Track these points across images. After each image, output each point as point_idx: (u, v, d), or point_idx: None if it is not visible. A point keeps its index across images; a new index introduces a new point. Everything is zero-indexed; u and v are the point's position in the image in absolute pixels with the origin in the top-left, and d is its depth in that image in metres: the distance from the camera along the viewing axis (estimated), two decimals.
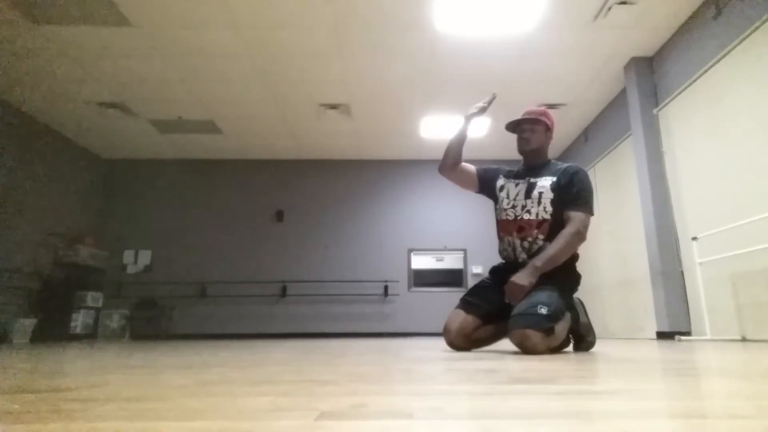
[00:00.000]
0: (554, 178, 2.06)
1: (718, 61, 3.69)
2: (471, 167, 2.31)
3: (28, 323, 5.33)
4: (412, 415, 0.56)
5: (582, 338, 2.19)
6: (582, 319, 2.20)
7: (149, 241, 7.07)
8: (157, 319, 6.62)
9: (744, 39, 3.43)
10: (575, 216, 1.99)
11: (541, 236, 2.04)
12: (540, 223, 2.04)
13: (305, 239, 7.15)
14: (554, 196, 2.04)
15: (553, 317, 1.88)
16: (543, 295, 1.90)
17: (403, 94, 5.44)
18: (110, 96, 5.42)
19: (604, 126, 5.84)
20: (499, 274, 2.18)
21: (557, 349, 2.07)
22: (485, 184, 2.27)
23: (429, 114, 5.91)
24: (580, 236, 1.95)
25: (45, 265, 5.93)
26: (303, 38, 4.40)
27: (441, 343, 3.27)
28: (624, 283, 5.28)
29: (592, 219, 2.06)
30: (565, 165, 2.13)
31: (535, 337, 1.80)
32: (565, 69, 4.94)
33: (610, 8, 3.96)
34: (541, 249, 2.03)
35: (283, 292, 6.90)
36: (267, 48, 4.54)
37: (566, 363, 1.38)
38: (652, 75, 4.68)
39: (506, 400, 0.67)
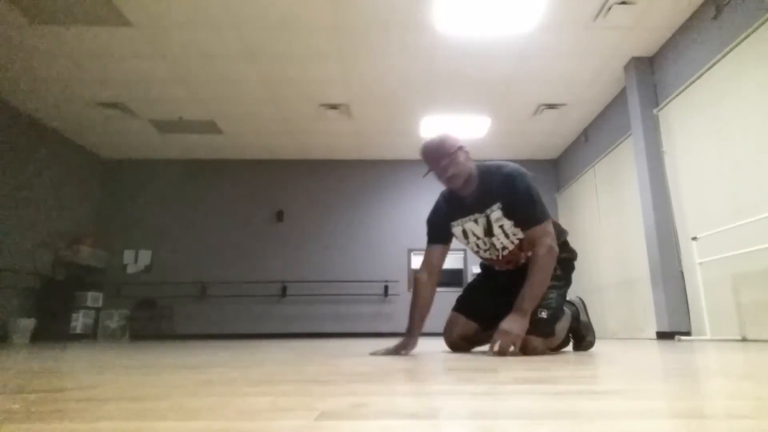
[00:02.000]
0: (499, 203, 1.87)
1: (718, 61, 3.69)
2: (435, 252, 2.03)
3: (28, 323, 5.33)
4: (412, 415, 0.56)
5: (582, 338, 2.18)
6: (582, 318, 2.19)
7: (149, 241, 7.07)
8: (157, 319, 6.62)
9: (744, 39, 3.43)
10: (535, 233, 1.82)
11: (530, 253, 1.92)
12: (520, 245, 1.93)
13: (305, 239, 7.15)
14: (513, 220, 1.88)
15: (553, 319, 1.87)
16: (551, 309, 1.89)
17: (403, 94, 5.44)
18: (110, 96, 5.42)
19: (604, 126, 5.84)
20: (492, 272, 2.16)
21: (557, 349, 2.07)
22: (447, 239, 2.03)
23: (429, 114, 5.91)
24: (552, 251, 1.80)
25: (45, 265, 5.93)
26: (303, 38, 4.40)
27: (441, 343, 3.27)
28: (624, 283, 5.28)
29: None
30: (495, 177, 1.89)
31: (535, 341, 1.80)
32: (565, 69, 4.94)
33: (610, 8, 3.96)
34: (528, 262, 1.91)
35: (283, 292, 6.90)
36: (267, 48, 4.54)
37: (566, 363, 1.38)
38: (652, 75, 4.68)
39: (506, 400, 0.67)
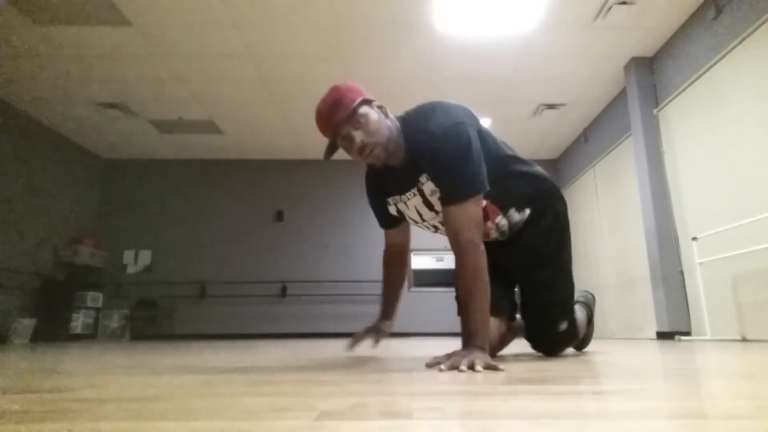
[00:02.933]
0: (425, 174, 1.37)
1: (718, 61, 3.69)
2: (391, 234, 1.68)
3: (28, 323, 5.33)
4: (412, 415, 0.56)
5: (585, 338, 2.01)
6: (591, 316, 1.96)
7: (149, 241, 7.07)
8: (157, 319, 6.62)
9: (744, 39, 3.43)
10: (450, 216, 1.30)
11: (497, 219, 1.53)
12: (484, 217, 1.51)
13: (305, 239, 7.15)
14: None
15: (574, 324, 1.66)
16: (553, 296, 1.60)
17: (403, 94, 5.44)
18: (110, 96, 5.42)
19: (604, 126, 5.84)
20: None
21: (579, 347, 1.97)
22: (394, 219, 1.60)
23: None
24: (471, 251, 1.26)
25: (45, 265, 5.93)
26: (303, 38, 4.39)
27: (441, 343, 3.27)
28: (624, 283, 5.28)
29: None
30: (420, 136, 1.34)
31: (560, 352, 1.71)
32: (565, 69, 4.93)
33: (610, 8, 3.96)
34: (512, 224, 1.55)
35: (283, 292, 6.89)
36: (267, 48, 4.53)
37: (566, 364, 1.38)
38: (652, 75, 4.68)
39: (506, 400, 0.67)
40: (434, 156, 1.31)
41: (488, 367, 1.11)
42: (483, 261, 1.27)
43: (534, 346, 1.69)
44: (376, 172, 1.56)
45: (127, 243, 7.04)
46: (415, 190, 1.42)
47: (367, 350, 1.64)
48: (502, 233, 1.57)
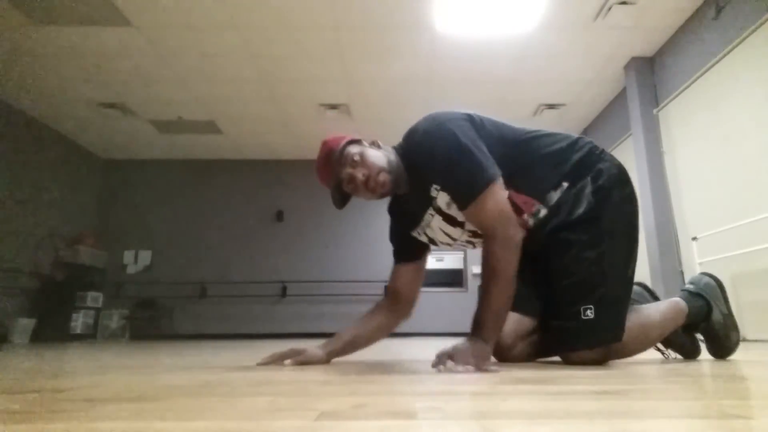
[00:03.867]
0: (434, 184, 1.28)
1: (718, 61, 3.69)
2: (401, 271, 1.47)
3: (28, 323, 5.33)
4: (412, 415, 0.56)
5: (722, 338, 1.43)
6: (716, 316, 1.43)
7: (149, 241, 7.07)
8: (157, 319, 6.62)
9: (744, 39, 3.43)
10: (476, 214, 1.21)
11: (534, 209, 1.30)
12: (514, 211, 1.31)
13: (305, 239, 7.15)
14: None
15: (611, 315, 1.21)
16: (582, 267, 1.23)
17: (403, 94, 5.44)
18: (110, 96, 5.42)
19: (604, 126, 5.84)
20: None
21: (647, 345, 1.35)
22: (414, 253, 1.47)
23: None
24: (508, 243, 1.17)
25: (45, 265, 5.93)
26: (303, 38, 4.39)
27: (441, 343, 3.26)
28: None
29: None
30: (412, 152, 1.32)
31: (585, 354, 1.22)
32: (565, 69, 4.93)
33: (610, 8, 3.96)
34: (545, 215, 1.30)
35: (283, 292, 6.89)
36: (267, 48, 4.53)
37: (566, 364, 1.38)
38: (652, 75, 4.68)
39: (506, 400, 0.67)
40: (431, 161, 1.25)
41: (482, 369, 1.07)
42: (512, 255, 1.17)
43: (549, 344, 1.33)
44: (393, 212, 1.51)
45: (127, 243, 7.04)
46: (431, 211, 1.33)
47: (282, 369, 1.22)
48: (543, 222, 1.32)
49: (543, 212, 1.30)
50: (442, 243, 1.45)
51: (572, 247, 1.25)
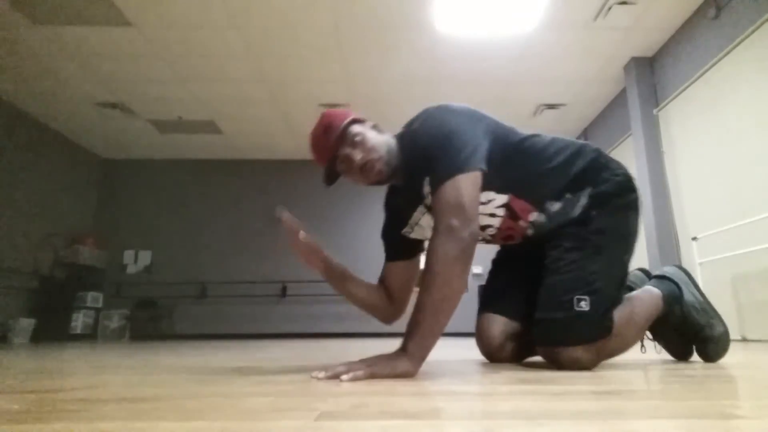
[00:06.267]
0: (425, 177, 1.20)
1: (718, 61, 3.69)
2: (391, 269, 1.42)
3: (28, 323, 5.33)
4: (412, 415, 0.56)
5: (700, 331, 1.32)
6: (688, 297, 1.35)
7: (149, 241, 7.07)
8: (157, 320, 6.62)
9: (744, 39, 3.43)
10: (439, 198, 1.10)
11: (532, 217, 1.28)
12: (512, 214, 1.29)
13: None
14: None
15: (603, 308, 1.14)
16: (576, 265, 1.18)
17: (403, 94, 5.44)
18: (110, 96, 5.42)
19: (604, 126, 5.84)
20: (508, 256, 1.51)
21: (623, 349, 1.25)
22: (403, 252, 1.40)
23: None
24: (454, 238, 1.04)
25: (45, 265, 5.93)
26: (303, 38, 4.39)
27: (441, 343, 3.26)
28: None
29: None
30: (408, 140, 1.26)
31: (575, 351, 1.12)
32: (565, 69, 4.93)
33: (610, 8, 3.96)
34: (551, 216, 1.27)
35: (283, 292, 6.89)
36: (267, 48, 4.53)
37: None
38: (652, 75, 4.68)
39: (506, 400, 0.67)
40: (423, 148, 1.17)
41: (360, 376, 0.94)
42: (455, 256, 1.02)
43: (536, 340, 1.21)
44: (388, 202, 1.45)
45: (127, 243, 7.04)
46: (422, 208, 1.29)
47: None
48: (540, 228, 1.29)
49: (541, 220, 1.28)
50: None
51: (568, 247, 1.21)
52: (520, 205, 1.27)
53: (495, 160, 1.20)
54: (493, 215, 1.29)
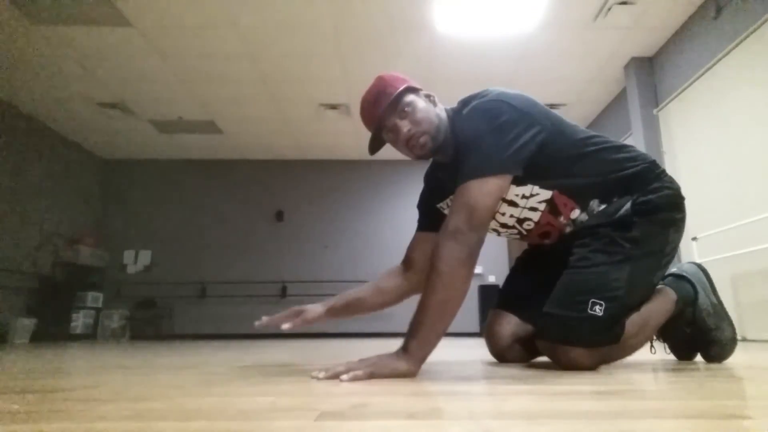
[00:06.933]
0: None
1: (718, 61, 3.69)
2: (420, 239, 1.42)
3: (28, 323, 5.32)
4: (412, 415, 0.56)
5: (709, 337, 1.31)
6: (702, 300, 1.35)
7: (149, 241, 7.07)
8: (157, 319, 6.62)
9: (744, 39, 3.43)
10: (456, 198, 1.09)
11: (573, 214, 1.24)
12: (553, 209, 1.25)
13: (305, 239, 7.14)
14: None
15: (615, 317, 1.10)
16: (601, 268, 1.13)
17: None
18: (110, 96, 5.42)
19: (604, 126, 5.84)
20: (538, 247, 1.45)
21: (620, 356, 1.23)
22: (438, 222, 1.21)
23: None
24: (460, 245, 1.05)
25: (45, 265, 5.93)
26: (303, 38, 4.39)
27: (441, 343, 3.26)
28: None
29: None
30: (460, 122, 1.25)
31: (573, 351, 1.10)
32: (565, 69, 4.93)
33: (610, 8, 3.96)
34: (582, 220, 1.24)
35: (283, 292, 6.89)
36: (267, 48, 4.53)
37: None
38: (652, 75, 4.68)
39: (506, 400, 0.67)
40: (466, 136, 1.15)
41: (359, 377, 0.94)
42: (459, 259, 1.02)
43: (539, 334, 1.18)
44: (429, 175, 1.44)
45: (127, 243, 7.04)
46: None
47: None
48: (579, 226, 1.25)
49: (583, 218, 1.24)
50: None
51: (597, 248, 1.17)
52: (562, 200, 1.24)
53: (549, 156, 1.18)
54: (533, 209, 1.26)
